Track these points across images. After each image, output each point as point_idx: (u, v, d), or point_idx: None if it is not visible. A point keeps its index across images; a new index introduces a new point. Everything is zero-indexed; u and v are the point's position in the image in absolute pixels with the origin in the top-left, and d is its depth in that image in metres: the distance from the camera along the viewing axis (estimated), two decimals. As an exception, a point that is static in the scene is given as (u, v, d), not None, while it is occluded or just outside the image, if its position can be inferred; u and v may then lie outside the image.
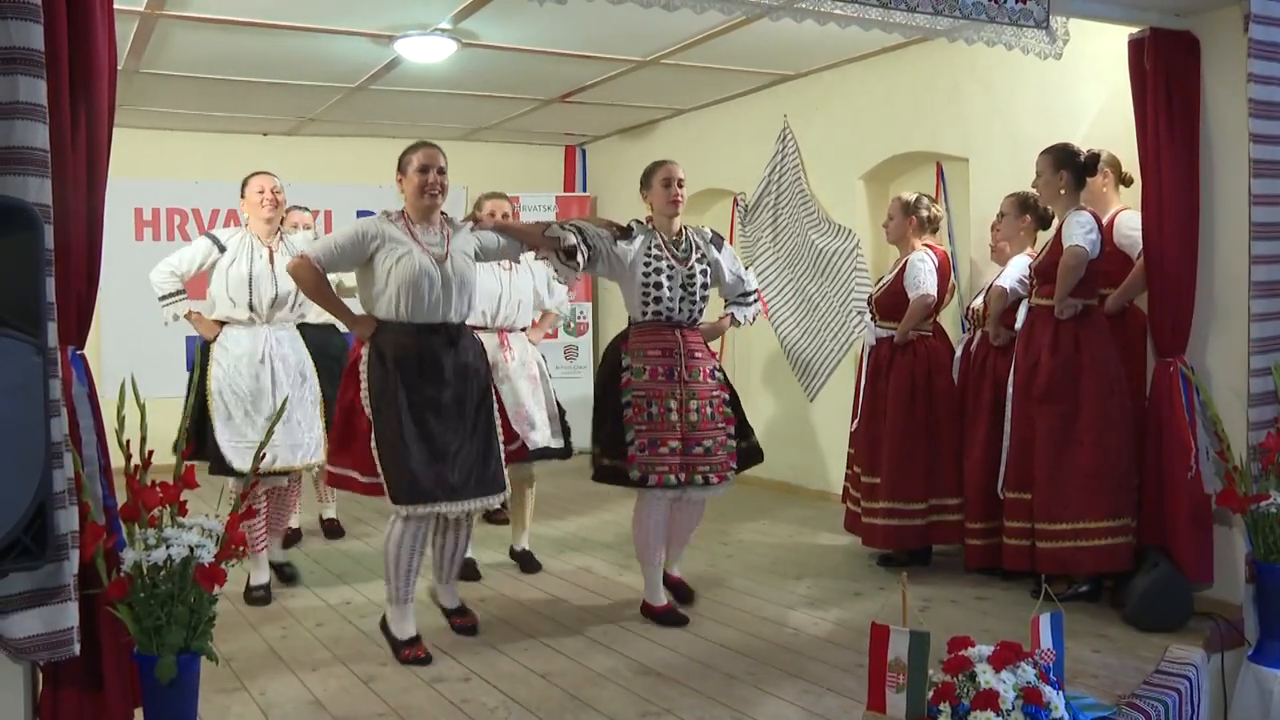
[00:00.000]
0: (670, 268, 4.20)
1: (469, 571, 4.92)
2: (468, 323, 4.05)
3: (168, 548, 2.62)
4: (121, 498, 2.75)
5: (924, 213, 5.06)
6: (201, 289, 4.62)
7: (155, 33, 5.55)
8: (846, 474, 5.48)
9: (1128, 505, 4.30)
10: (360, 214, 7.17)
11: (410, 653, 3.80)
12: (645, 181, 4.33)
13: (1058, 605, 2.99)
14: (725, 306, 4.56)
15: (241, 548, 2.79)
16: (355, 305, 4.04)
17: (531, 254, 4.38)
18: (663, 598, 4.31)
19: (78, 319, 2.67)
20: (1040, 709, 2.67)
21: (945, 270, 5.07)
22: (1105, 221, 4.49)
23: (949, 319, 5.65)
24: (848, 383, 6.10)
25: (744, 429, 4.36)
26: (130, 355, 6.68)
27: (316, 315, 4.95)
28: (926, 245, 5.04)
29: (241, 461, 4.37)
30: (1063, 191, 4.36)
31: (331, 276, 4.00)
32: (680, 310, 4.23)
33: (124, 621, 2.62)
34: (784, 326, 7.19)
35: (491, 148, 9.17)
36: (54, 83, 2.48)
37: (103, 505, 2.71)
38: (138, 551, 2.63)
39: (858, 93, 6.61)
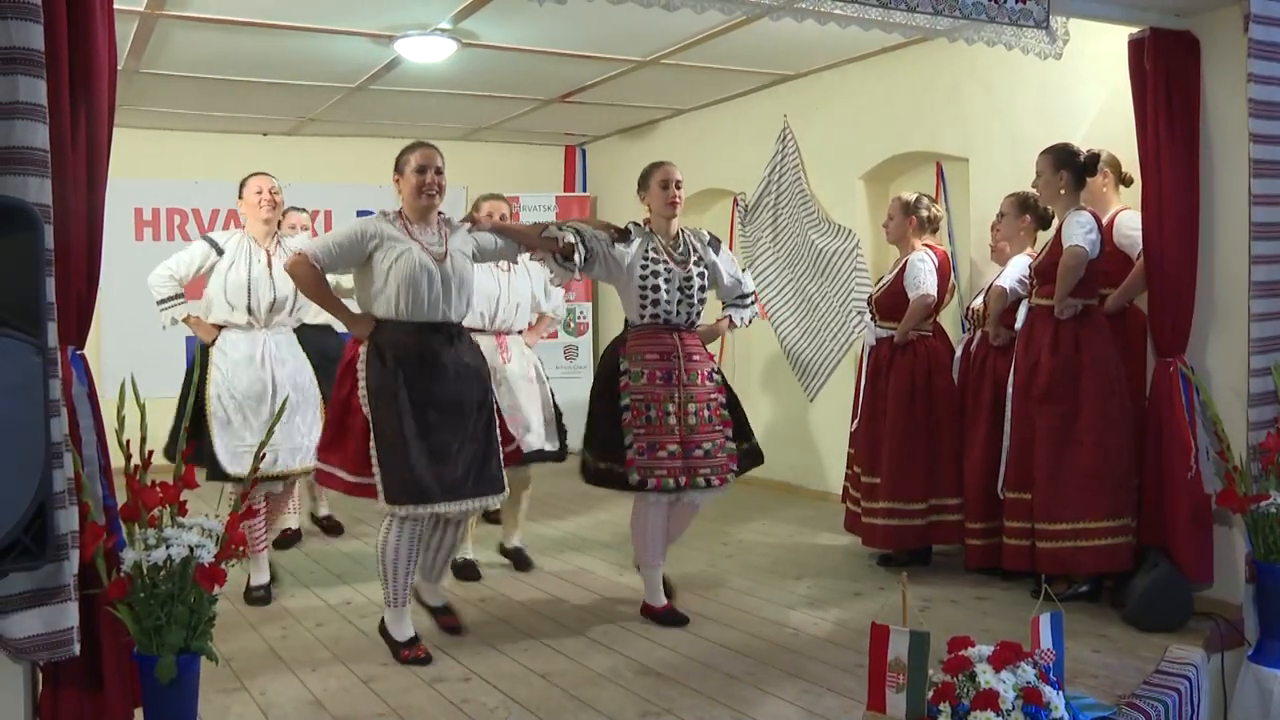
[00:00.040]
0: (668, 270, 4.19)
1: (470, 572, 4.93)
2: (465, 325, 4.04)
3: (168, 548, 2.62)
4: (121, 498, 2.75)
5: (924, 213, 5.06)
6: (199, 290, 4.62)
7: (155, 33, 5.55)
8: (846, 474, 5.48)
9: (1128, 505, 4.30)
10: (360, 214, 7.14)
11: (410, 653, 3.80)
12: (643, 183, 4.32)
13: (1058, 605, 2.99)
14: (723, 309, 4.55)
15: (241, 548, 2.79)
16: (353, 306, 4.02)
17: (528, 255, 4.37)
18: (663, 598, 4.31)
19: (78, 319, 2.67)
20: (1040, 709, 2.67)
21: (945, 270, 5.07)
22: (1105, 221, 4.49)
23: (949, 319, 5.65)
24: (848, 383, 6.09)
25: (744, 431, 4.34)
26: (130, 355, 6.66)
27: (314, 316, 4.94)
28: (926, 245, 5.04)
29: (238, 467, 4.36)
30: (1063, 191, 4.36)
31: (329, 278, 3.98)
32: (678, 313, 4.22)
33: (124, 621, 2.62)
34: (784, 327, 7.19)
35: (491, 148, 9.17)
36: (54, 83, 2.48)
37: (103, 505, 2.71)
38: (138, 551, 2.63)
39: (858, 93, 6.60)
